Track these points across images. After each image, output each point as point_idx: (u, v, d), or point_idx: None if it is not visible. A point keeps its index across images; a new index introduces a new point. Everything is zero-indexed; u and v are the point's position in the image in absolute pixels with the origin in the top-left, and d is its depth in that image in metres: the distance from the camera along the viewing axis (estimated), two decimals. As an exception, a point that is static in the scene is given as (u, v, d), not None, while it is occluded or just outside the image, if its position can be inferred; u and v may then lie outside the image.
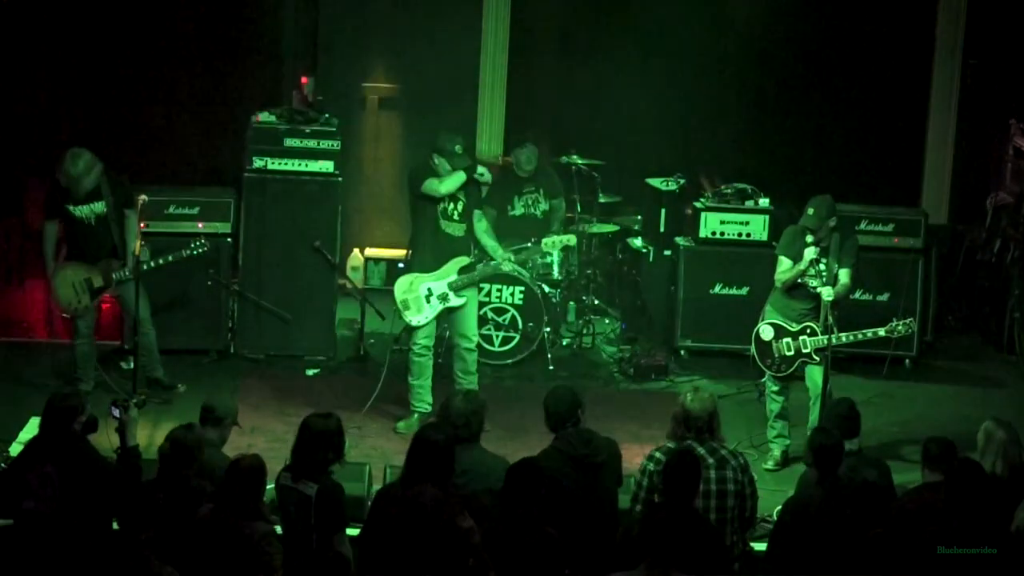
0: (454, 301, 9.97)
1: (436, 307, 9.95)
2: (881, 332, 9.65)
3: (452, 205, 9.93)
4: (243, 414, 9.89)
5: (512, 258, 10.25)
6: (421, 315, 9.95)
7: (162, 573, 6.22)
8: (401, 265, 13.35)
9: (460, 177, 9.88)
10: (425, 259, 10.01)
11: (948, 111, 13.54)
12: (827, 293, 9.44)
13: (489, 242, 10.15)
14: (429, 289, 9.93)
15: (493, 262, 10.14)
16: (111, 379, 10.30)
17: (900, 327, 9.64)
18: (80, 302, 10.19)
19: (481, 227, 10.13)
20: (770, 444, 9.84)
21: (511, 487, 6.73)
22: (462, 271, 9.98)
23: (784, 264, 9.74)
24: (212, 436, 7.70)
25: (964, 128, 13.57)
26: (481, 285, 10.63)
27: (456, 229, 9.98)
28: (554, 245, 10.57)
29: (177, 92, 12.89)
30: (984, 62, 13.45)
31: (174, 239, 10.99)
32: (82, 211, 10.17)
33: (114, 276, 10.16)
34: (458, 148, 9.93)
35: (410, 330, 10.07)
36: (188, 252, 10.38)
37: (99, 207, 10.17)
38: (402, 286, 9.98)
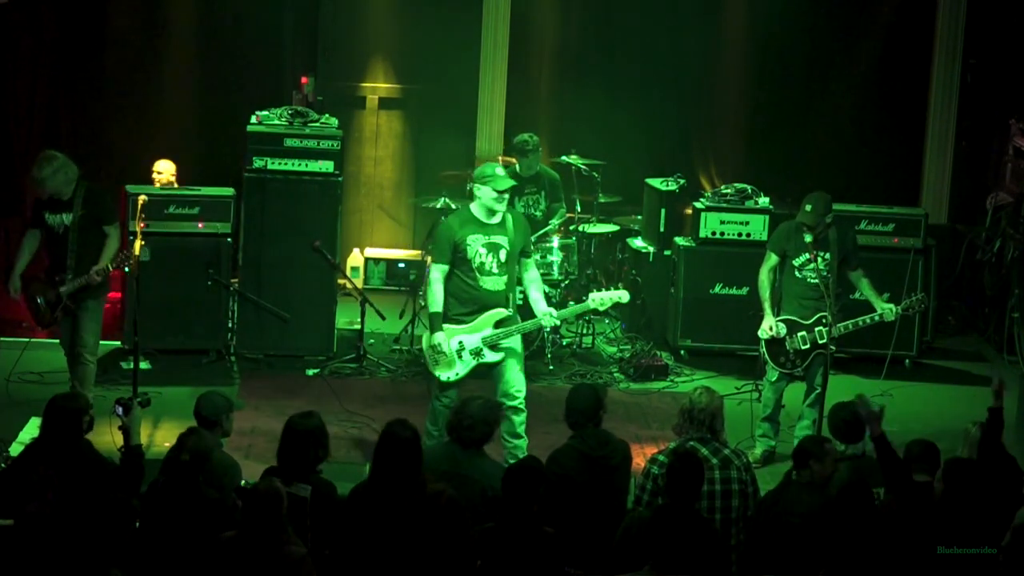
0: (489, 357, 8.96)
1: (469, 363, 8.97)
2: (897, 309, 9.68)
3: (492, 256, 8.96)
4: (243, 414, 9.96)
5: (555, 314, 9.13)
6: (452, 371, 8.97)
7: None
8: (402, 265, 13.40)
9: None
10: (457, 311, 9.00)
11: (948, 111, 13.55)
12: (890, 313, 9.62)
13: (534, 294, 9.14)
14: (461, 343, 8.95)
15: (535, 319, 9.09)
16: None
17: (915, 301, 9.72)
18: (46, 318, 9.98)
19: (530, 276, 9.18)
20: (755, 441, 9.83)
21: (510, 486, 6.73)
22: (498, 324, 8.98)
23: (771, 260, 9.77)
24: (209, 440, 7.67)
25: (964, 128, 13.58)
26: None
27: (496, 283, 8.96)
28: (603, 303, 9.22)
29: (177, 92, 12.89)
30: (984, 62, 13.46)
31: (174, 239, 11.03)
32: (52, 219, 9.87)
33: (61, 290, 9.82)
34: (498, 170, 9.01)
35: (441, 385, 9.06)
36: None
37: (67, 218, 9.84)
38: (430, 339, 9.02)
